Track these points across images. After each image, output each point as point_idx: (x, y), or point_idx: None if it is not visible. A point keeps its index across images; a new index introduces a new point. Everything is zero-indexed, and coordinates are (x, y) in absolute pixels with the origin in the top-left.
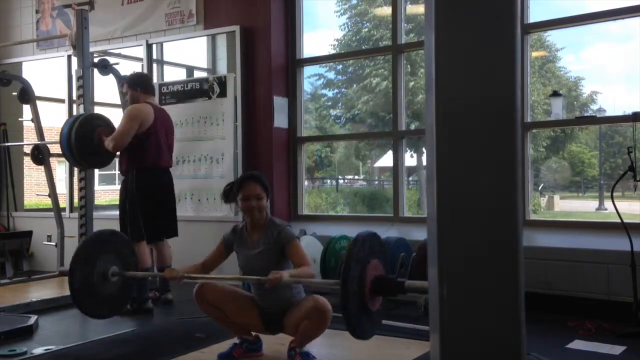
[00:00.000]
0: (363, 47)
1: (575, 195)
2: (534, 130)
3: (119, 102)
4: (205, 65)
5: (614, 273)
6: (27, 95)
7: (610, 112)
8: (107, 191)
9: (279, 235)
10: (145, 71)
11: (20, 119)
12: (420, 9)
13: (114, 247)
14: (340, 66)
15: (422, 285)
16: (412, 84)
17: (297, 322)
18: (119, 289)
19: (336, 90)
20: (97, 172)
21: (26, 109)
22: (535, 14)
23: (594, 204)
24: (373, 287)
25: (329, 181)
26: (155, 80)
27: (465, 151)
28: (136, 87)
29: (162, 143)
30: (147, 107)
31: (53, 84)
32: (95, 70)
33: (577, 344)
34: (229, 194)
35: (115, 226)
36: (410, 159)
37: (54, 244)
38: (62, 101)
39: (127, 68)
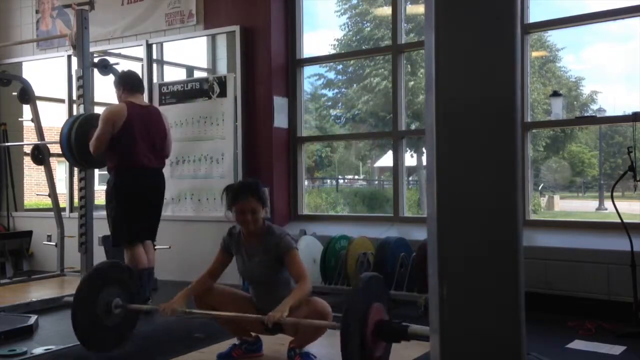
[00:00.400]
0: (363, 47)
1: (575, 195)
2: (534, 130)
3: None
4: (205, 65)
5: (614, 273)
6: (27, 95)
7: (610, 112)
8: None
9: (277, 245)
10: (145, 71)
11: (20, 119)
12: (420, 9)
13: (117, 278)
14: (341, 66)
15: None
16: (412, 84)
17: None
18: (122, 320)
19: (336, 90)
20: (97, 172)
21: (26, 109)
22: (535, 14)
23: (594, 204)
24: (375, 330)
25: (329, 181)
26: (155, 80)
27: (465, 151)
28: (119, 86)
29: (139, 141)
30: (118, 107)
31: (53, 84)
32: (95, 70)
33: (577, 344)
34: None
35: None
36: (410, 159)
37: (54, 244)
38: (62, 101)
39: (127, 68)
